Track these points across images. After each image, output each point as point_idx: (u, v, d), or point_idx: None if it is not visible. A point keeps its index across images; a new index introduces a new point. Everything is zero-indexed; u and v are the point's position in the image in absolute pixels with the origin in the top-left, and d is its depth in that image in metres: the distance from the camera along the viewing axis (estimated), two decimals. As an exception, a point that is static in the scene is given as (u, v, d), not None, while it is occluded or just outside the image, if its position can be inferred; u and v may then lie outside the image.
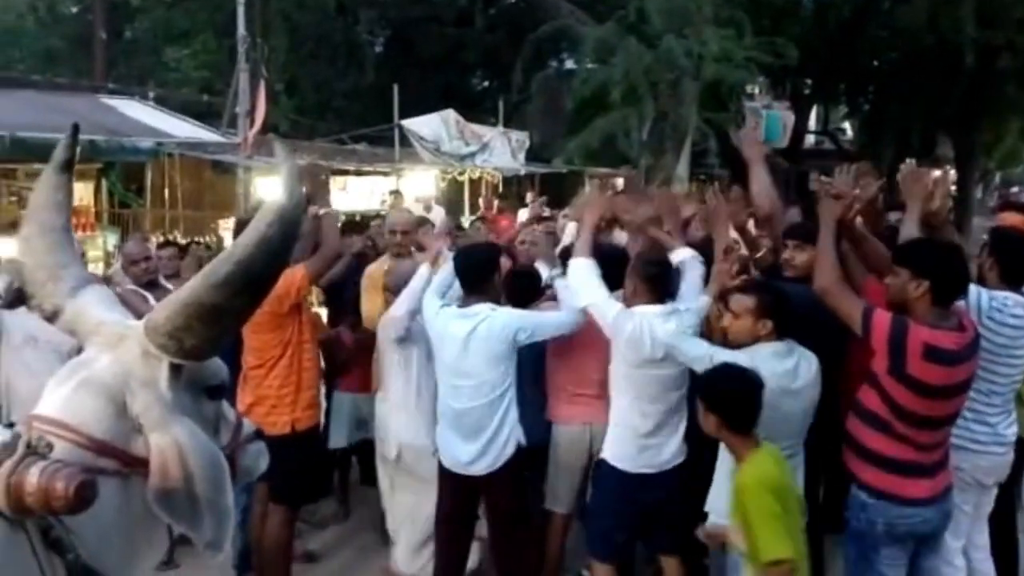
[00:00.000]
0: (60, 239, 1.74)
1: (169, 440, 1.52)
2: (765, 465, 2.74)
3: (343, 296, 4.81)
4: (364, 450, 4.73)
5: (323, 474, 5.15)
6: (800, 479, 3.22)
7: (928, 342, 2.80)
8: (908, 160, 3.70)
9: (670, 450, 3.55)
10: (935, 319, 2.88)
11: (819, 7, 17.49)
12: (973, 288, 3.29)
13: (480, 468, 3.59)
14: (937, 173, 3.59)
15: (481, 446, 3.56)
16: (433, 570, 3.85)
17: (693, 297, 3.57)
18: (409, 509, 4.09)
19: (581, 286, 3.57)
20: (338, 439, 4.69)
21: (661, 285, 3.54)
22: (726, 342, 3.30)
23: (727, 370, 2.90)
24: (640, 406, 3.49)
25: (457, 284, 3.75)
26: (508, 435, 3.58)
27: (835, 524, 3.56)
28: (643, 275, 3.54)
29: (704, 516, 3.20)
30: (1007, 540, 3.82)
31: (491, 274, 3.69)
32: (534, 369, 3.95)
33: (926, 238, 3.31)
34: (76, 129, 1.86)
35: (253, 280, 1.57)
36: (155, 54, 21.96)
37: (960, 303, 3.15)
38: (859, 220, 3.52)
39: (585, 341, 3.69)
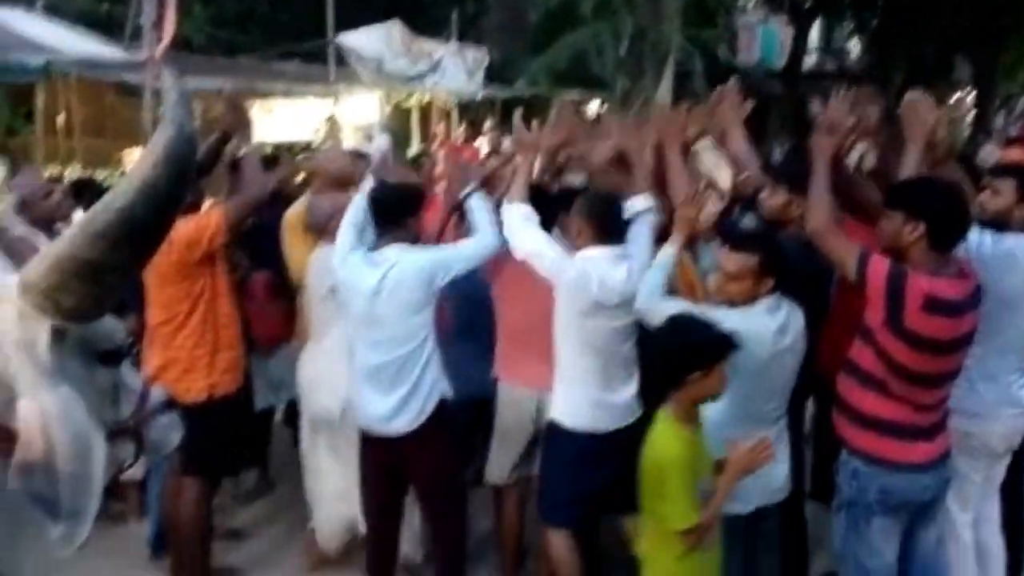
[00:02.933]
0: None
1: (35, 408, 1.53)
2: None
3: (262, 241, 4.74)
4: (292, 413, 4.79)
5: (248, 443, 5.19)
6: (785, 444, 3.33)
7: (929, 292, 2.87)
8: (911, 91, 3.67)
9: (623, 407, 3.64)
10: (934, 266, 2.93)
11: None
12: (976, 232, 3.34)
13: (400, 425, 3.64)
14: (934, 108, 3.53)
15: (399, 399, 3.61)
16: (366, 548, 3.93)
17: (640, 250, 3.60)
18: (346, 478, 4.12)
19: (516, 233, 3.63)
20: (258, 400, 4.71)
21: (608, 224, 3.57)
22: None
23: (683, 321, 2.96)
24: (589, 360, 3.57)
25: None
26: (430, 388, 3.64)
27: (822, 495, 3.69)
28: (588, 213, 3.59)
29: None
30: (1016, 512, 3.91)
31: (406, 214, 3.70)
32: (469, 316, 4.04)
33: (922, 176, 3.35)
34: None
35: (136, 231, 1.53)
36: (43, -48, 21.28)
37: (972, 251, 3.24)
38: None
39: (537, 288, 3.72)
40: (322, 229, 4.07)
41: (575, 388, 3.62)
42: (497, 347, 4.04)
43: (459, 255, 3.70)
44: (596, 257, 3.51)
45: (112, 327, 1.75)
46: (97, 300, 1.56)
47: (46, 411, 1.53)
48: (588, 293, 3.47)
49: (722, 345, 2.84)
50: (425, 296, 3.60)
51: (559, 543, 3.71)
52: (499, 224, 3.73)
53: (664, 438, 2.85)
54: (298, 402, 4.38)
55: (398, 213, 3.69)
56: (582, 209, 3.62)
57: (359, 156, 4.90)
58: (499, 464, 4.07)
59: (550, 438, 3.74)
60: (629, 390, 3.67)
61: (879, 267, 2.95)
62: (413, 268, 3.56)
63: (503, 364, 4.03)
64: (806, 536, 3.95)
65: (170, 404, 1.98)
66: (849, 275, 3.03)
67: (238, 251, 4.54)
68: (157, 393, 1.95)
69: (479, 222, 3.77)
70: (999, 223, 3.49)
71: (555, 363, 3.67)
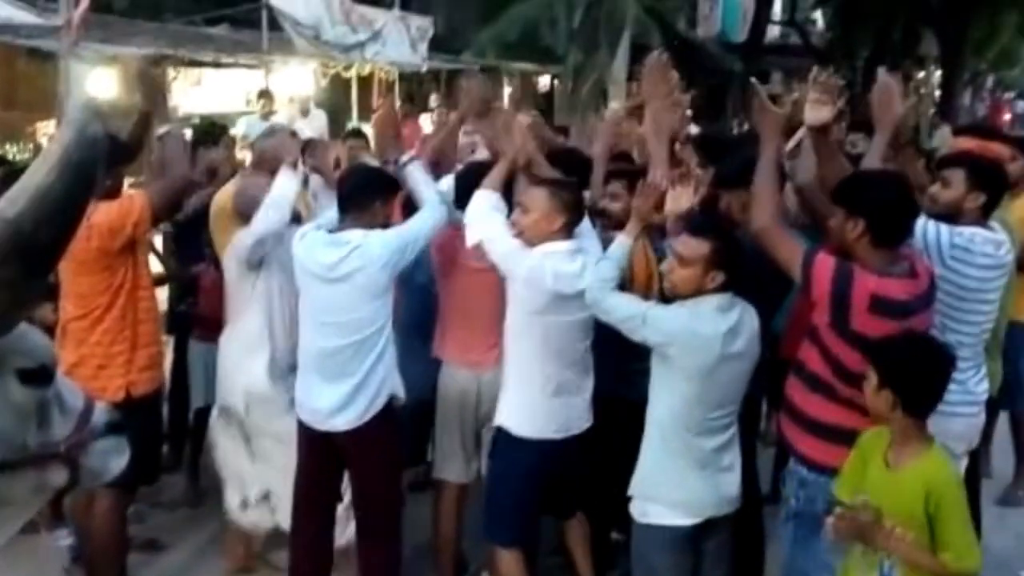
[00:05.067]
0: None
1: None
2: (950, 462, 2.82)
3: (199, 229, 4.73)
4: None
5: (171, 447, 5.16)
6: (736, 453, 3.35)
7: (875, 292, 2.91)
8: (883, 72, 3.72)
9: (578, 412, 3.69)
10: (881, 264, 2.98)
11: None
12: (932, 225, 3.41)
13: (343, 421, 3.65)
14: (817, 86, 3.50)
15: (346, 393, 3.63)
16: (291, 553, 3.92)
17: (592, 243, 3.66)
18: (257, 477, 4.15)
19: (478, 219, 3.67)
20: (196, 397, 4.76)
21: (570, 214, 3.59)
22: (646, 290, 3.40)
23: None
24: (541, 361, 3.59)
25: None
26: (380, 383, 3.66)
27: (776, 496, 3.75)
28: (564, 204, 3.58)
29: (616, 489, 3.36)
30: (974, 515, 4.01)
31: (373, 198, 3.73)
32: (417, 314, 4.08)
33: (861, 171, 3.39)
34: None
35: (24, 245, 1.48)
36: (-52, -96, 20.72)
37: (917, 245, 3.29)
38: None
39: (477, 268, 3.79)
40: (251, 215, 4.03)
41: (526, 392, 3.64)
42: (438, 330, 4.08)
43: (418, 231, 3.73)
44: (552, 252, 3.52)
45: (35, 343, 1.71)
46: None
47: None
48: (543, 287, 3.49)
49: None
50: (387, 280, 3.63)
51: (510, 564, 3.72)
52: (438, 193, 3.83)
53: (941, 462, 2.77)
54: None
55: (365, 196, 3.71)
56: (558, 198, 3.60)
57: (291, 134, 4.90)
58: (445, 454, 4.08)
59: (498, 447, 3.75)
60: (584, 395, 3.70)
61: (824, 267, 2.99)
62: (376, 250, 3.58)
63: (445, 347, 4.05)
64: (763, 547, 3.96)
65: (116, 427, 1.93)
66: (795, 275, 3.07)
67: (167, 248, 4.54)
68: (100, 414, 1.89)
69: (424, 192, 3.84)
70: (951, 215, 3.55)
71: (498, 350, 3.72)
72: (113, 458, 1.93)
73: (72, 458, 1.77)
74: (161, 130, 3.89)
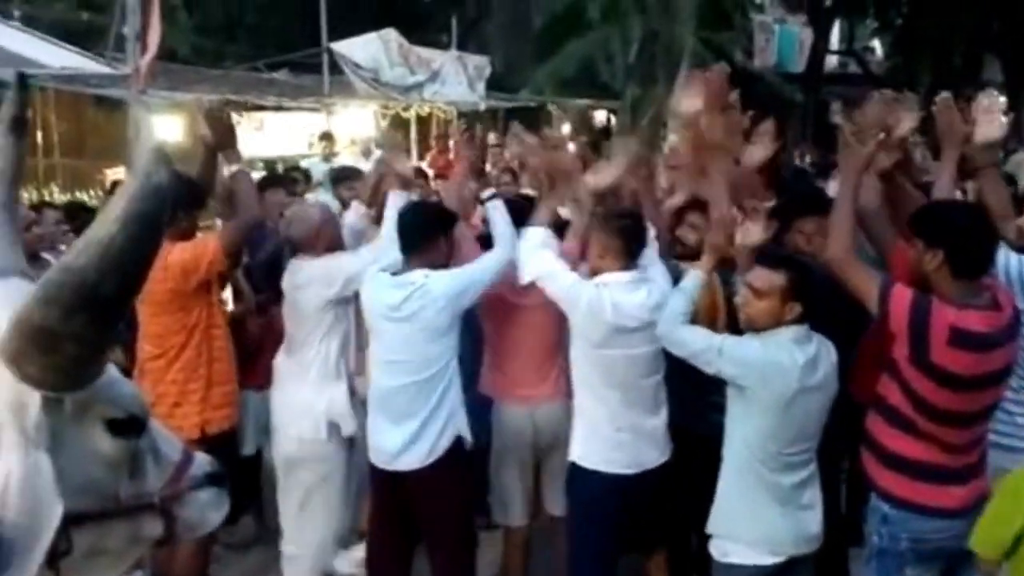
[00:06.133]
0: None
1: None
2: None
3: (252, 269, 4.78)
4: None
5: (243, 487, 5.19)
6: (816, 491, 3.30)
7: (954, 324, 2.86)
8: (943, 94, 3.66)
9: (650, 447, 3.65)
10: (962, 296, 2.92)
11: (842, -100, 17.49)
12: (1014, 257, 3.34)
13: (410, 461, 3.65)
14: (984, 102, 3.52)
15: (411, 433, 3.63)
16: None
17: (659, 275, 3.63)
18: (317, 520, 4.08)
19: (531, 256, 3.69)
20: (248, 445, 4.71)
21: (632, 243, 3.58)
22: (731, 325, 3.38)
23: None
24: (606, 394, 3.58)
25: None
26: (445, 422, 3.65)
27: (857, 536, 3.67)
28: (608, 231, 3.60)
29: (695, 524, 3.32)
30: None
31: (433, 236, 3.74)
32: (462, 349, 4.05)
33: (941, 200, 3.34)
34: (23, 79, 1.83)
35: (89, 297, 1.47)
36: (20, -41, 21.42)
37: (1000, 275, 3.23)
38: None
39: (526, 305, 3.81)
40: (307, 242, 4.02)
41: (593, 426, 3.63)
42: (486, 369, 4.08)
43: (484, 270, 3.75)
44: (612, 282, 3.53)
45: (123, 393, 1.68)
46: (62, 371, 1.52)
47: (8, 473, 1.51)
48: (603, 319, 3.49)
49: None
50: (451, 319, 3.64)
51: None
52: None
53: None
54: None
55: (427, 235, 3.72)
56: (601, 226, 3.63)
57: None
58: (505, 497, 4.05)
59: (571, 482, 3.74)
60: (657, 428, 3.66)
61: (902, 298, 2.94)
62: (438, 290, 3.60)
63: (495, 383, 4.05)
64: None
65: (215, 478, 1.89)
66: (871, 308, 3.03)
67: (242, 279, 4.57)
68: (199, 465, 1.86)
69: (500, 230, 3.84)
70: None
71: (552, 382, 3.75)
72: (211, 510, 1.89)
73: (167, 509, 1.74)
74: (232, 169, 3.94)
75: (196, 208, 4.19)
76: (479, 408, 4.01)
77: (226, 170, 3.99)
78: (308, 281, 3.94)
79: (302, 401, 3.98)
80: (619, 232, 3.58)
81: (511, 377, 3.99)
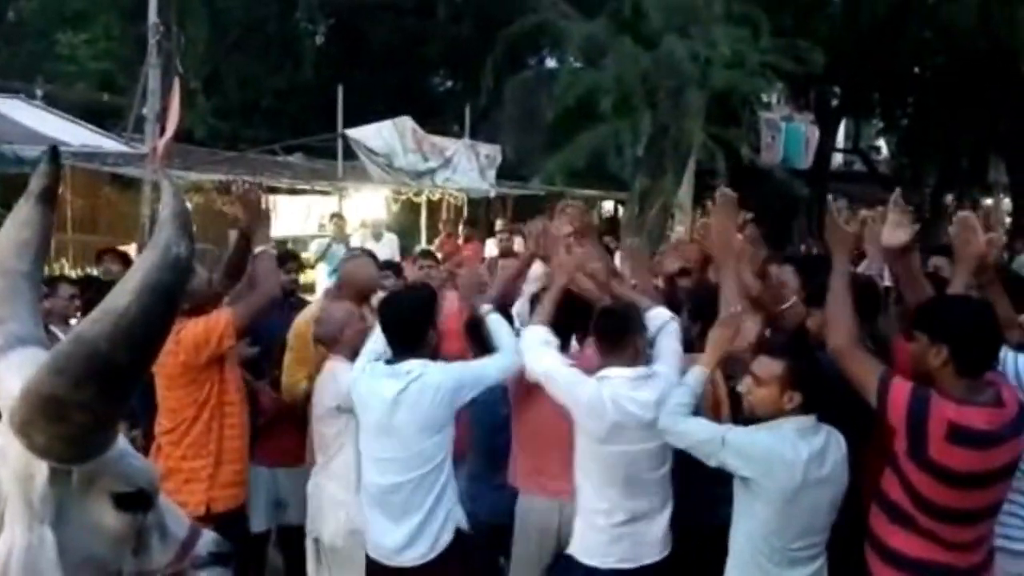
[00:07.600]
0: (8, 286, 1.76)
1: (3, 544, 1.52)
2: None
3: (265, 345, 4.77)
4: (287, 537, 4.75)
5: (246, 566, 5.16)
6: None
7: (954, 421, 2.85)
8: (964, 212, 3.70)
9: (651, 541, 3.60)
10: (964, 392, 2.93)
11: (849, 3, 17.84)
12: (1022, 358, 3.34)
13: (411, 557, 3.60)
14: (898, 203, 3.58)
15: (411, 531, 3.58)
16: None
17: (668, 367, 3.63)
18: None
19: (531, 355, 3.70)
20: (257, 522, 4.68)
21: (625, 341, 3.58)
22: (736, 416, 3.39)
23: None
24: (608, 489, 3.55)
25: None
26: (444, 518, 3.62)
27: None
28: (602, 329, 3.64)
29: None
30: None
31: (424, 324, 3.72)
32: (489, 439, 4.08)
33: (946, 295, 3.39)
34: (56, 153, 1.87)
35: (100, 367, 1.47)
36: (44, 40, 21.93)
37: (1008, 371, 3.24)
38: None
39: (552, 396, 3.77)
40: (332, 340, 4.08)
41: (595, 520, 3.59)
42: (514, 458, 4.03)
43: (484, 371, 3.74)
44: (614, 378, 3.52)
45: (133, 466, 1.68)
46: (70, 441, 1.52)
47: (10, 547, 1.52)
48: (603, 416, 3.47)
49: None
50: (447, 414, 3.61)
51: None
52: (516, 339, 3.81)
53: None
54: (303, 526, 4.29)
55: (416, 327, 3.69)
56: (596, 325, 3.68)
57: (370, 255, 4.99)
58: None
59: (560, 571, 3.70)
60: (659, 522, 3.62)
61: (900, 392, 2.94)
62: (436, 382, 3.57)
63: (521, 475, 3.98)
64: None
65: (221, 558, 1.88)
66: (871, 400, 3.02)
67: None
68: (205, 544, 1.85)
69: (500, 339, 3.83)
70: None
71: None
72: None
73: None
74: (258, 249, 4.02)
75: (225, 292, 4.25)
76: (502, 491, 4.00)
77: (257, 250, 4.05)
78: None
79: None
80: (605, 331, 3.62)
81: (538, 469, 3.90)
